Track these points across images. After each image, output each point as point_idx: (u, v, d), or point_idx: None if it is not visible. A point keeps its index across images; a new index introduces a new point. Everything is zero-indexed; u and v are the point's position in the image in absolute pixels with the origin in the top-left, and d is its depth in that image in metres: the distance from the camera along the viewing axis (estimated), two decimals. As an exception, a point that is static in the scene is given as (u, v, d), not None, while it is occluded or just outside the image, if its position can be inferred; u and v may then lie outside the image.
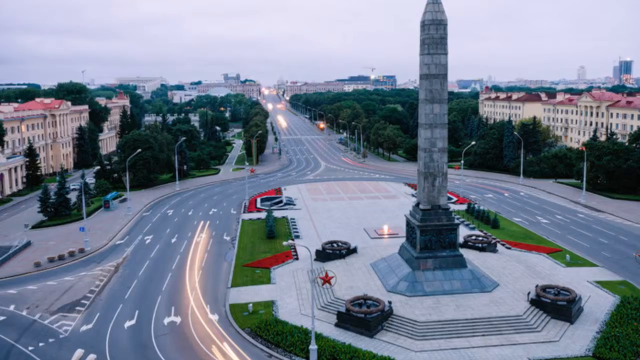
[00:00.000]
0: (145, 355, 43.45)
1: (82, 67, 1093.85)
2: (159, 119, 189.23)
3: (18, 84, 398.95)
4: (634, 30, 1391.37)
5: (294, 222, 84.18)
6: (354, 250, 65.41)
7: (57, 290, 57.57)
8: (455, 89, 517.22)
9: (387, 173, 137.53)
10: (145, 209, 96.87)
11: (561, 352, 42.45)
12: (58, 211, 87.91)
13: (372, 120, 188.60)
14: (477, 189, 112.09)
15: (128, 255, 69.85)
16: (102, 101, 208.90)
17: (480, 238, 67.89)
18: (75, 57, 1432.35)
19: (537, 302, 48.81)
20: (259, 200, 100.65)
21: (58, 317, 50.67)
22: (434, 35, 52.69)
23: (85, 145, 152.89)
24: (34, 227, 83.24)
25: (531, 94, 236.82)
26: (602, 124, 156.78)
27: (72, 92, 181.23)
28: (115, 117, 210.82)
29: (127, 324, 49.14)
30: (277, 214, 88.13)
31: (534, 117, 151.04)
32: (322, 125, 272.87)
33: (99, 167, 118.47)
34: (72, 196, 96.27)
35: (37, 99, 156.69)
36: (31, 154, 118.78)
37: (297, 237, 75.30)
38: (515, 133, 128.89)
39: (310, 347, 41.87)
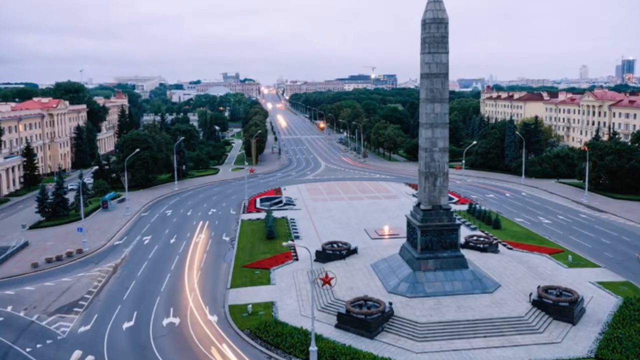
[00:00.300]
0: (144, 357, 43.13)
1: (80, 66, 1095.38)
2: (158, 118, 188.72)
3: (16, 83, 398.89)
4: (637, 29, 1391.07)
5: (294, 222, 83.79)
6: (354, 251, 65.09)
7: (55, 291, 57.17)
8: (456, 89, 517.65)
9: (387, 173, 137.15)
10: (143, 209, 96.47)
11: (563, 354, 42.14)
12: (56, 211, 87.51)
13: (372, 119, 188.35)
14: (479, 189, 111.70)
15: (126, 255, 69.46)
16: (100, 100, 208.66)
17: (482, 238, 67.56)
18: (73, 56, 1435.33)
19: (539, 303, 48.52)
20: (258, 200, 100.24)
21: (56, 318, 50.35)
22: (434, 34, 52.31)
23: (83, 145, 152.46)
24: (31, 228, 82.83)
25: (533, 93, 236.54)
26: (605, 123, 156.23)
27: (70, 92, 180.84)
28: (113, 117, 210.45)
29: (126, 325, 48.82)
30: (277, 214, 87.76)
31: (536, 117, 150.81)
32: (322, 124, 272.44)
33: (97, 167, 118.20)
34: (70, 196, 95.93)
35: (35, 99, 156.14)
36: (29, 153, 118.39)
37: (297, 237, 74.92)
38: (517, 133, 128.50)
39: (310, 348, 41.59)
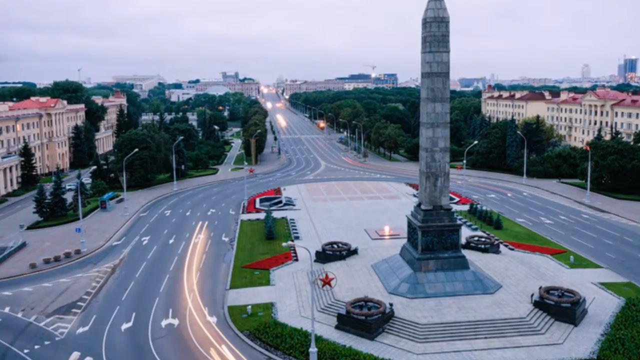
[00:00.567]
0: (143, 358, 42.84)
1: (78, 65, 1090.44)
2: (157, 118, 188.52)
3: (13, 83, 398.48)
4: (639, 28, 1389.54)
5: (294, 222, 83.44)
6: (355, 252, 64.76)
7: (53, 292, 56.85)
8: (457, 88, 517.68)
9: (388, 173, 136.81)
10: (142, 209, 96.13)
11: (565, 355, 41.85)
12: (54, 212, 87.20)
13: (372, 119, 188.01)
14: (480, 189, 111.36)
15: (125, 256, 69.10)
16: (98, 100, 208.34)
17: (483, 239, 67.19)
18: (71, 55, 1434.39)
19: (540, 304, 48.21)
20: (258, 200, 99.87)
21: (54, 319, 50.05)
22: (435, 32, 52.00)
23: (82, 145, 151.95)
24: (29, 228, 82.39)
25: (534, 92, 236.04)
26: (607, 123, 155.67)
27: (68, 91, 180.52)
28: (111, 116, 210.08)
29: (124, 326, 48.50)
30: (277, 214, 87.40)
31: (538, 116, 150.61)
32: (322, 124, 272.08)
33: (95, 167, 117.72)
34: (68, 196, 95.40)
35: (33, 98, 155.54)
36: (26, 153, 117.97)
37: (297, 238, 74.59)
38: (519, 132, 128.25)
39: (310, 349, 41.31)
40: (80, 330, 47.78)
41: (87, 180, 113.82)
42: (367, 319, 45.22)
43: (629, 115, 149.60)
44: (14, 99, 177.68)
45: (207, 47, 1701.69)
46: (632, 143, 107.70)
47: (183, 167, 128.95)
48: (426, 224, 52.92)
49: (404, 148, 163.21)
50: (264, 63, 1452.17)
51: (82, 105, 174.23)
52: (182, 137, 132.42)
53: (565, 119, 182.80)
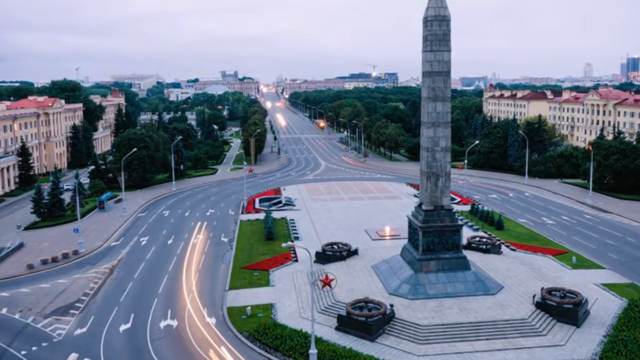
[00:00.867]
0: (141, 360, 42.46)
1: (76, 64, 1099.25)
2: (155, 117, 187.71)
3: (11, 82, 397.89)
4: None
5: (294, 223, 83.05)
6: (355, 252, 64.40)
7: (50, 292, 56.52)
8: (458, 87, 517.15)
9: (388, 173, 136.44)
10: (140, 209, 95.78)
11: (567, 357, 41.59)
12: (51, 212, 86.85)
13: (373, 118, 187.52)
14: (481, 189, 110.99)
15: (123, 257, 68.73)
16: (96, 99, 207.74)
17: (484, 239, 66.86)
18: (69, 54, 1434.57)
19: (542, 305, 47.92)
20: (257, 200, 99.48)
21: (51, 320, 49.77)
22: (436, 31, 51.64)
23: (80, 145, 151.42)
24: (26, 229, 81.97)
25: (536, 91, 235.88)
26: (609, 122, 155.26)
27: (66, 90, 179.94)
28: (110, 116, 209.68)
29: (123, 327, 48.23)
30: (276, 214, 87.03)
31: (539, 116, 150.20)
32: (322, 124, 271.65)
33: (93, 167, 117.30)
34: (66, 196, 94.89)
35: (30, 97, 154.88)
36: (24, 153, 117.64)
37: (297, 238, 74.24)
38: (520, 132, 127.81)
39: (310, 351, 41.06)
40: (78, 331, 47.52)
41: (85, 180, 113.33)
42: (367, 320, 44.92)
43: (632, 114, 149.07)
44: (11, 98, 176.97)
45: (207, 46, 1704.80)
46: (634, 143, 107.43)
47: (182, 167, 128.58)
48: (427, 225, 52.57)
49: (405, 148, 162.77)
50: (263, 62, 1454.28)
51: (80, 105, 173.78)
52: (180, 137, 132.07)
53: (568, 118, 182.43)
